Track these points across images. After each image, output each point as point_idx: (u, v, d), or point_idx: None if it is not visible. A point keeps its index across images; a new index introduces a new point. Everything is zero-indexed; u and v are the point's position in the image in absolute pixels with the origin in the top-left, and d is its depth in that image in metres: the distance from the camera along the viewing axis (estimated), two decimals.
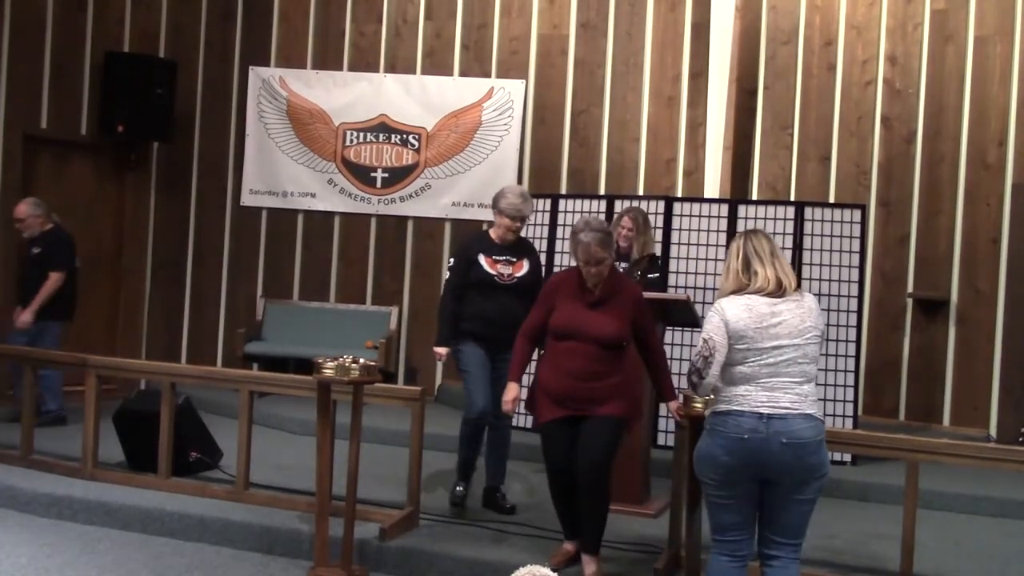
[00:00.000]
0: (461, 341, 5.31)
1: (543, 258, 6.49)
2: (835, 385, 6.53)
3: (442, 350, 5.39)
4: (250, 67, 8.71)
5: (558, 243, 7.21)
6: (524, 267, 5.33)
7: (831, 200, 7.56)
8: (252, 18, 8.77)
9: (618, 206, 7.10)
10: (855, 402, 6.59)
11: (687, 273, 6.90)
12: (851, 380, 6.56)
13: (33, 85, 7.74)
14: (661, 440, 6.37)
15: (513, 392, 4.52)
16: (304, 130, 8.65)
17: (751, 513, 3.57)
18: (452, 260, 5.49)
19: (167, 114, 8.29)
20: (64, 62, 7.91)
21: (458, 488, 5.35)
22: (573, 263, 4.46)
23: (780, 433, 3.45)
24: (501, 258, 5.29)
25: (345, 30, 8.65)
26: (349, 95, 8.60)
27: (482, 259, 5.28)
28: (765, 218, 6.80)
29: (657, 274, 6.34)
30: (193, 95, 8.73)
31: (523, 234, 5.48)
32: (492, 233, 5.38)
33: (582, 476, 4.28)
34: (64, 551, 4.77)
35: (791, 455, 3.45)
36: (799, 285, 3.64)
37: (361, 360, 4.39)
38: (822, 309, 3.88)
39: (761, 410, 3.48)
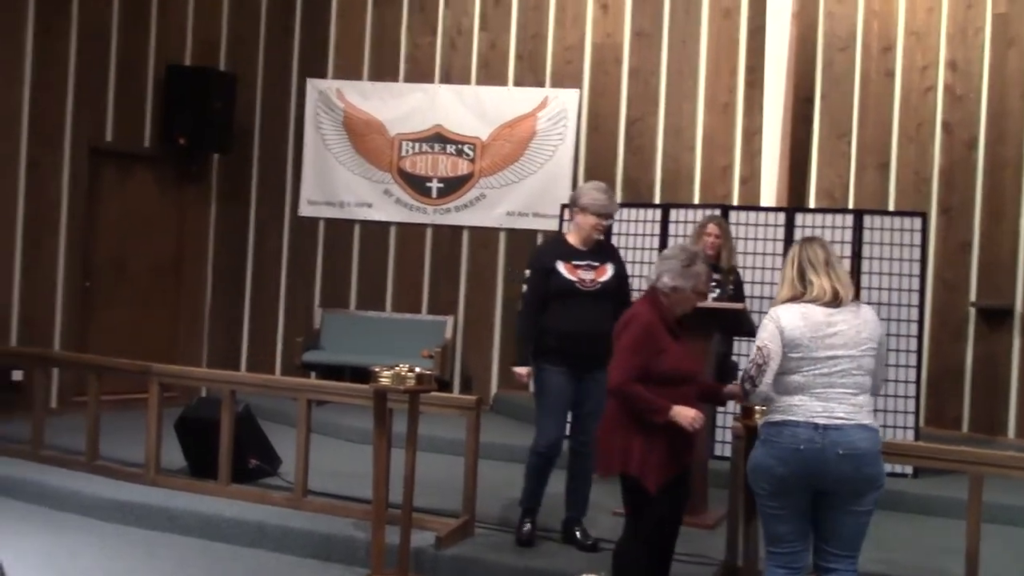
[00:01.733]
0: (542, 360, 4.82)
1: None
2: (896, 396, 6.40)
3: (523, 370, 4.91)
4: (308, 79, 8.82)
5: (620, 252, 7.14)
6: (608, 271, 4.86)
7: (890, 208, 7.45)
8: (310, 31, 8.88)
9: (673, 215, 7.07)
10: (916, 413, 6.47)
11: (743, 282, 6.71)
12: (912, 391, 6.44)
13: (99, 98, 7.90)
14: (719, 451, 6.30)
15: (692, 411, 3.80)
16: (360, 141, 8.74)
17: (805, 524, 3.52)
18: (527, 272, 4.95)
19: (227, 126, 8.41)
20: (128, 75, 8.06)
21: (525, 526, 4.87)
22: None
23: (837, 444, 3.39)
24: (582, 263, 4.83)
25: (401, 42, 8.73)
26: (404, 106, 8.67)
27: (561, 266, 4.82)
28: (823, 226, 6.69)
29: (740, 292, 6.12)
30: (252, 107, 8.86)
31: None
32: (570, 237, 4.95)
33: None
34: (126, 556, 4.86)
35: (849, 466, 3.39)
36: (858, 295, 3.58)
37: (417, 369, 4.39)
38: (882, 319, 3.80)
39: (817, 420, 3.42)
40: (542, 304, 4.84)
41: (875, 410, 3.56)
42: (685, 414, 3.73)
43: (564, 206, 6.69)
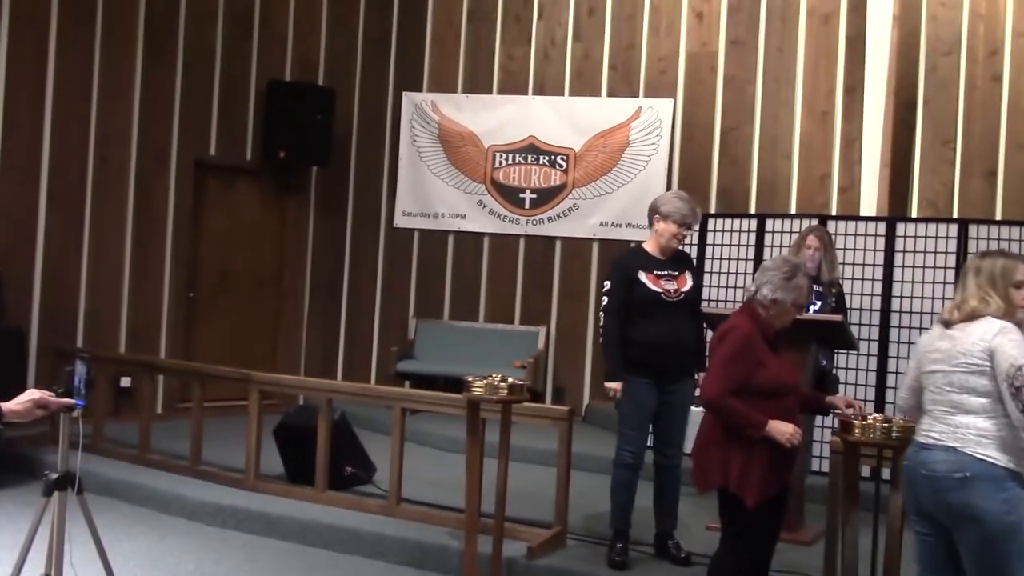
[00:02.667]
0: (625, 371, 4.76)
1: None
2: None
3: (615, 385, 4.79)
4: (403, 92, 8.96)
5: (708, 263, 7.10)
6: (688, 281, 4.84)
7: (997, 217, 7.19)
8: (405, 45, 9.02)
9: (769, 225, 6.98)
10: None
11: (844, 294, 6.57)
12: None
13: (203, 113, 8.17)
14: (816, 466, 6.17)
15: (790, 427, 3.70)
16: (455, 153, 8.83)
17: (939, 554, 3.31)
18: (608, 283, 4.89)
19: (325, 140, 8.59)
20: (231, 91, 8.32)
21: (617, 547, 4.75)
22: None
23: (921, 463, 3.29)
24: (663, 273, 4.80)
25: (495, 53, 8.81)
26: (498, 118, 8.74)
27: (643, 276, 4.77)
28: (926, 236, 6.52)
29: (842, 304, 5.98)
30: (349, 121, 9.03)
31: None
32: (648, 246, 4.91)
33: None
34: (228, 559, 4.99)
35: (928, 488, 3.25)
36: (976, 311, 3.30)
37: (510, 379, 4.40)
38: None
39: (919, 438, 3.35)
40: (625, 315, 4.79)
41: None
42: (782, 429, 3.65)
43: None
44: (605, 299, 4.89)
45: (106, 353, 7.13)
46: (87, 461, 4.03)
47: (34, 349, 7.21)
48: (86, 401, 3.34)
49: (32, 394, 3.12)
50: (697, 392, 4.41)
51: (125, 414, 7.14)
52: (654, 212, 4.90)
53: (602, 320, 4.90)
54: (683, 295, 4.82)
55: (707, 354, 4.24)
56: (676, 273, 4.86)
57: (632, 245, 5.90)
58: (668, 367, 4.74)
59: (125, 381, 7.52)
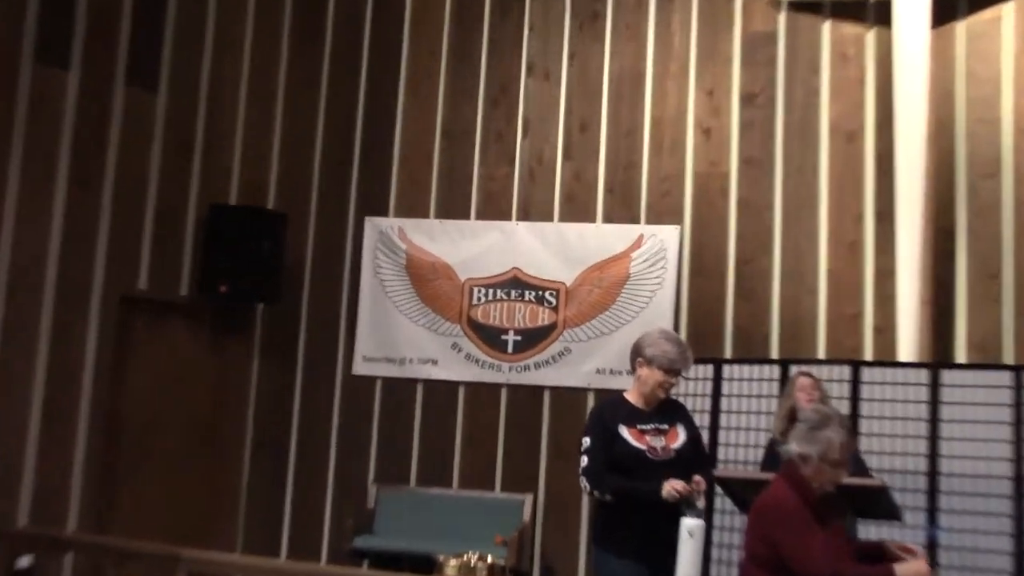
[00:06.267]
0: (603, 547, 4.74)
1: (704, 435, 6.21)
2: None
3: (677, 484, 4.59)
4: (366, 217, 9.10)
5: (724, 417, 7.17)
6: (680, 435, 4.85)
7: None
8: (369, 164, 9.20)
9: (793, 372, 6.95)
10: None
11: (880, 453, 6.72)
12: None
13: (133, 241, 8.19)
14: None
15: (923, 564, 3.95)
16: (426, 287, 8.91)
17: None
18: (586, 439, 4.86)
19: (274, 272, 8.65)
20: (167, 216, 8.39)
21: None
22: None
23: None
24: (648, 426, 4.81)
25: (473, 174, 8.99)
26: (477, 247, 8.86)
27: (624, 431, 4.78)
28: (975, 385, 6.60)
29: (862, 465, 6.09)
30: (303, 250, 9.15)
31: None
32: (631, 395, 4.93)
33: None
34: None
35: None
36: None
37: (489, 558, 4.38)
38: None
39: None
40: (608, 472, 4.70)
41: None
42: (916, 569, 3.82)
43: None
44: (584, 459, 4.82)
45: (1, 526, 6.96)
46: None
47: None
48: None
49: None
50: None
51: None
52: (636, 355, 4.93)
53: (584, 484, 4.78)
54: (674, 453, 4.79)
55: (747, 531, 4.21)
56: (665, 426, 4.83)
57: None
58: (659, 543, 4.62)
59: (24, 561, 7.34)
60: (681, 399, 5.91)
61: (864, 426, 6.81)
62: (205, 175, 8.67)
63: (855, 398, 6.92)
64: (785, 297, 8.14)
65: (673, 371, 4.86)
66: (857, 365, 7.03)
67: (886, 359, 7.42)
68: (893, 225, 7.64)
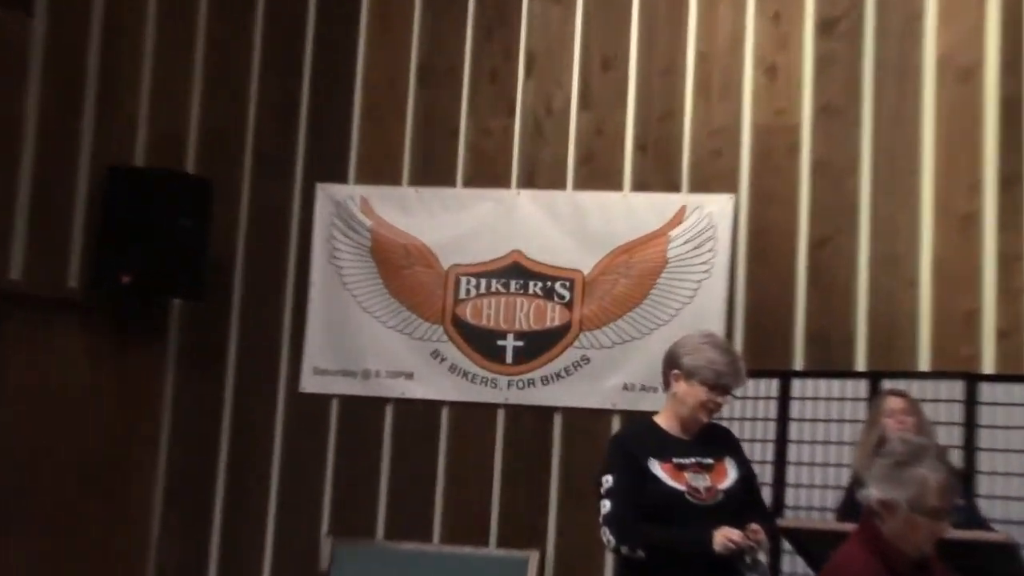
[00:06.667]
0: None
1: (767, 472, 6.32)
2: None
3: (733, 534, 4.71)
4: (318, 184, 8.96)
5: (791, 449, 7.20)
6: (730, 472, 4.96)
7: None
8: (322, 114, 9.07)
9: (883, 389, 7.07)
10: None
11: (1005, 499, 6.76)
12: None
13: (2, 217, 8.07)
14: None
15: None
16: (397, 276, 8.77)
17: None
18: (608, 478, 4.96)
19: (195, 257, 8.52)
20: (48, 184, 8.27)
21: None
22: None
23: None
24: (687, 460, 4.88)
25: (459, 127, 8.84)
26: (465, 223, 8.74)
27: (656, 467, 4.85)
28: None
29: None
30: (234, 229, 9.01)
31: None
32: (662, 419, 5.01)
33: None
34: None
35: None
36: None
37: None
38: None
39: None
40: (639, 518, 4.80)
41: None
42: None
43: None
44: (607, 504, 4.90)
45: None
46: None
47: None
48: None
49: None
50: None
51: None
52: (671, 366, 5.00)
53: (607, 536, 4.88)
54: (722, 495, 4.88)
55: None
56: (709, 460, 4.93)
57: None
58: None
59: None
60: (732, 425, 5.97)
61: (983, 462, 6.88)
62: (100, 128, 8.55)
63: (970, 424, 6.99)
64: (875, 289, 8.00)
65: (720, 387, 4.94)
66: (973, 380, 7.08)
67: (1012, 372, 7.39)
68: (1022, 194, 7.58)
